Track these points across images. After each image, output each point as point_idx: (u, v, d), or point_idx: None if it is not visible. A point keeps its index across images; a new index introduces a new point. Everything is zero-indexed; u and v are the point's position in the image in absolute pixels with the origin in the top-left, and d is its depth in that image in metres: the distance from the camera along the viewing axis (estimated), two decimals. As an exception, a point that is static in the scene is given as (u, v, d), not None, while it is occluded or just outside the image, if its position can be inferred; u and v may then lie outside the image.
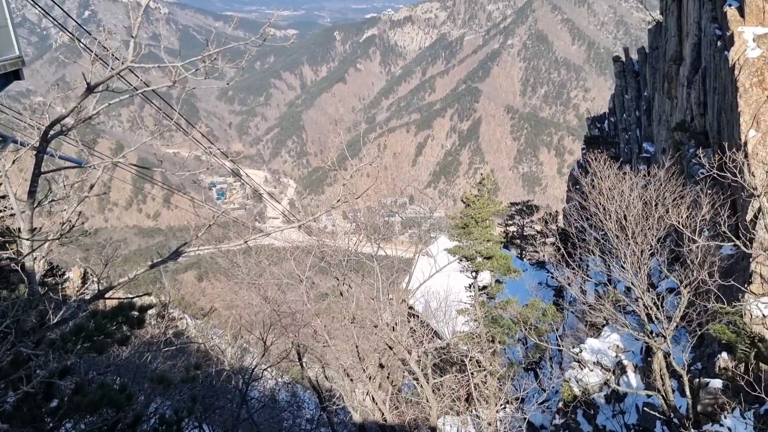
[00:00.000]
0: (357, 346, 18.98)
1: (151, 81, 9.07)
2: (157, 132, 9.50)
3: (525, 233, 47.76)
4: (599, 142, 46.17)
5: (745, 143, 17.91)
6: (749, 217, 16.75)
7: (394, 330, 19.04)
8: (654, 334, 15.35)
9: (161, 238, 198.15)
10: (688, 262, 14.83)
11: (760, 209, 15.62)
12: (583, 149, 49.82)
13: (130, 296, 8.26)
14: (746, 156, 16.83)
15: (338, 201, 7.45)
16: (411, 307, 26.37)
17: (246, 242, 10.15)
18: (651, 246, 15.14)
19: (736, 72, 19.59)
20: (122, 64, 5.83)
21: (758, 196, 15.29)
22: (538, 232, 45.69)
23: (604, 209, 16.03)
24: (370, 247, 21.29)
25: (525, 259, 44.67)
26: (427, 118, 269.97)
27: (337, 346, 20.05)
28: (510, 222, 48.11)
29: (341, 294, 19.93)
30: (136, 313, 7.79)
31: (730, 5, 22.19)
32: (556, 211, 50.96)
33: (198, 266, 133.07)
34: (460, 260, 25.00)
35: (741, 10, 21.42)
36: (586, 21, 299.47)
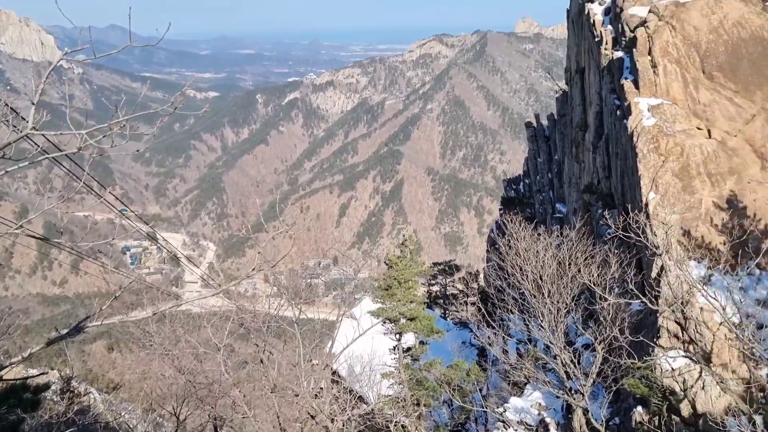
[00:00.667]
0: (278, 416, 18.20)
1: (61, 141, 8.67)
2: (66, 195, 9.03)
3: (448, 293, 48.32)
4: (515, 203, 47.98)
5: (647, 204, 19.13)
6: (654, 274, 17.68)
7: (316, 397, 18.44)
8: (573, 391, 15.64)
9: (68, 307, 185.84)
10: (601, 319, 15.38)
11: (662, 267, 16.53)
12: (500, 210, 51.59)
13: (26, 376, 7.57)
14: (648, 217, 17.93)
15: (253, 269, 7.24)
16: (334, 372, 25.74)
17: (160, 312, 9.66)
18: (566, 304, 15.62)
19: (635, 139, 21.11)
20: (22, 130, 5.52)
21: (660, 255, 16.21)
22: (460, 291, 46.34)
23: (521, 269, 16.49)
24: (292, 312, 20.78)
25: (449, 319, 44.96)
26: (350, 180, 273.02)
27: (257, 416, 19.16)
28: (433, 282, 48.59)
29: (262, 361, 19.21)
30: (30, 395, 7.13)
31: (626, 78, 24.11)
32: (477, 271, 52.06)
33: (108, 335, 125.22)
34: (384, 322, 24.83)
35: (636, 83, 23.30)
36: (500, 88, 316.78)
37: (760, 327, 15.25)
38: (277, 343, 21.81)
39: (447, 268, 48.33)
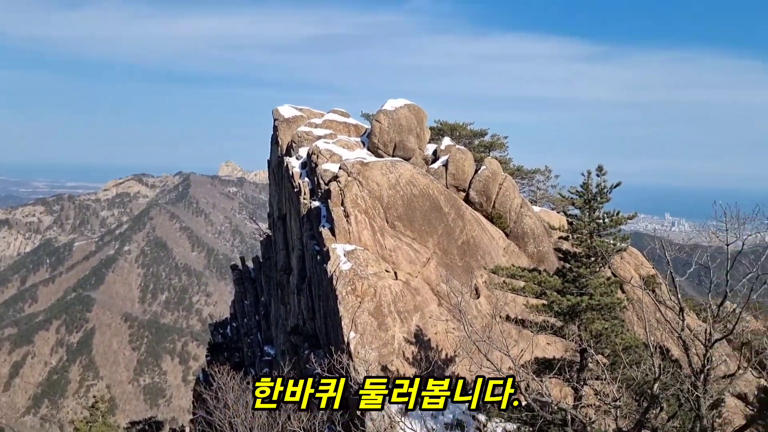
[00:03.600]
0: None
1: None
2: None
3: (148, 455, 43.01)
4: (223, 349, 46.47)
5: (348, 344, 20.26)
6: (359, 411, 18.39)
7: None
8: None
9: None
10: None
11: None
12: (207, 356, 49.24)
13: None
14: (350, 355, 18.93)
15: None
16: None
17: None
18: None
19: (335, 282, 22.65)
20: None
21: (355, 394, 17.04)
22: (162, 452, 41.72)
23: (230, 424, 15.64)
24: None
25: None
26: (27, 333, 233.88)
27: None
28: (130, 445, 42.90)
29: None
30: None
31: (324, 226, 26.22)
32: (182, 425, 47.85)
33: None
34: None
35: (333, 230, 25.46)
36: (204, 230, 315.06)
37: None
38: None
39: (147, 427, 43.42)
